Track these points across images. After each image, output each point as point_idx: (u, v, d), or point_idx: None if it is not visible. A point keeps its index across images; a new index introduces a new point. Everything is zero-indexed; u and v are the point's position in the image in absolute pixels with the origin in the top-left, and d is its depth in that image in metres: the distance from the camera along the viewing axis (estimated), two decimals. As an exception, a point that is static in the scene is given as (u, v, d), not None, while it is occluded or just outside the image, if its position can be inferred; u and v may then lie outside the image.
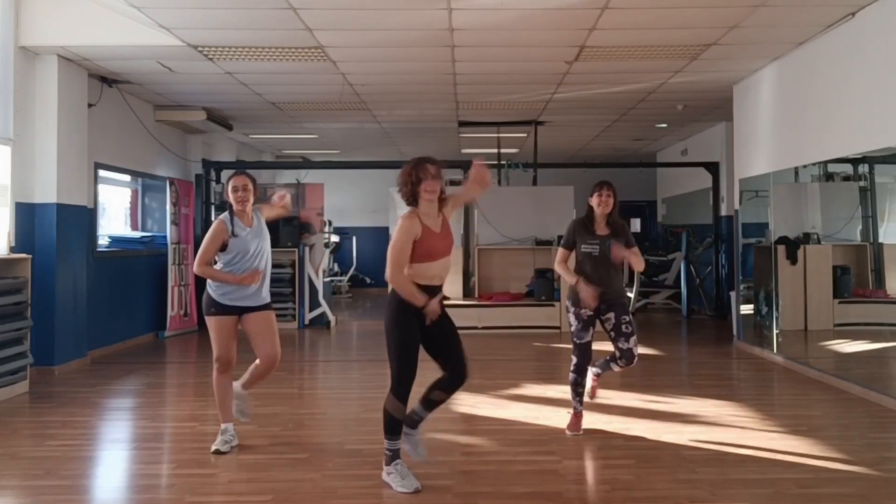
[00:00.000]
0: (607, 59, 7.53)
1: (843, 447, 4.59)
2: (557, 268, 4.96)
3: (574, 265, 4.89)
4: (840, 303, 7.60)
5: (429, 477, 4.04)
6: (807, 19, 6.42)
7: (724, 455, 4.48)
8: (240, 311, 4.63)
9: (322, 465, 4.34)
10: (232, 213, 4.61)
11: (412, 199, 3.88)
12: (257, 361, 4.76)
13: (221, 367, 4.68)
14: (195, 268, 4.60)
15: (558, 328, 9.77)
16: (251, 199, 4.63)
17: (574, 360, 4.85)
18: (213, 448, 4.58)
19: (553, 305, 9.93)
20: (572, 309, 4.85)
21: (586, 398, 5.00)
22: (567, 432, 4.88)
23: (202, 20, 6.38)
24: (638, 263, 4.82)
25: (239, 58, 7.48)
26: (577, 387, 4.89)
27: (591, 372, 5.00)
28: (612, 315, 4.78)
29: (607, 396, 5.95)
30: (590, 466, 4.33)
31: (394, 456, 3.96)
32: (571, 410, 4.95)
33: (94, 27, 6.68)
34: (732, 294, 9.44)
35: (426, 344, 3.93)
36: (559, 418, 5.27)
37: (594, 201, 4.82)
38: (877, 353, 6.95)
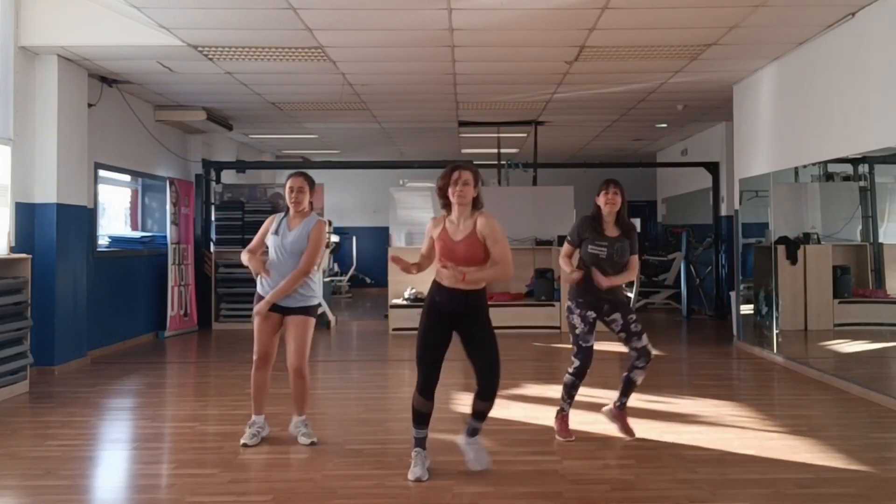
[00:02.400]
0: (607, 59, 7.53)
1: (843, 447, 4.59)
2: (561, 261, 4.91)
3: (577, 264, 4.83)
4: (840, 303, 7.60)
5: (429, 477, 4.04)
6: (807, 19, 6.42)
7: (724, 455, 4.48)
8: (281, 311, 4.66)
9: (322, 465, 4.34)
10: (286, 214, 4.70)
11: (445, 203, 4.07)
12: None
13: (257, 362, 4.73)
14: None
15: (558, 328, 9.77)
16: (305, 202, 4.66)
17: (576, 363, 4.75)
18: (242, 442, 4.65)
19: (553, 305, 9.92)
20: (577, 311, 4.74)
21: (622, 434, 4.83)
22: (557, 437, 4.79)
23: (202, 20, 6.38)
24: (628, 278, 4.79)
25: (239, 58, 7.48)
26: (573, 389, 4.83)
27: (610, 409, 4.91)
28: (617, 316, 4.71)
29: (607, 397, 5.95)
30: (590, 466, 4.32)
31: (415, 444, 4.07)
32: (558, 413, 4.86)
33: (94, 27, 6.68)
34: (732, 294, 9.44)
35: (464, 348, 4.05)
36: (559, 418, 5.29)
37: (601, 200, 4.74)
38: (877, 353, 6.95)
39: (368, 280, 16.87)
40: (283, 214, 4.73)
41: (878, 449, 4.67)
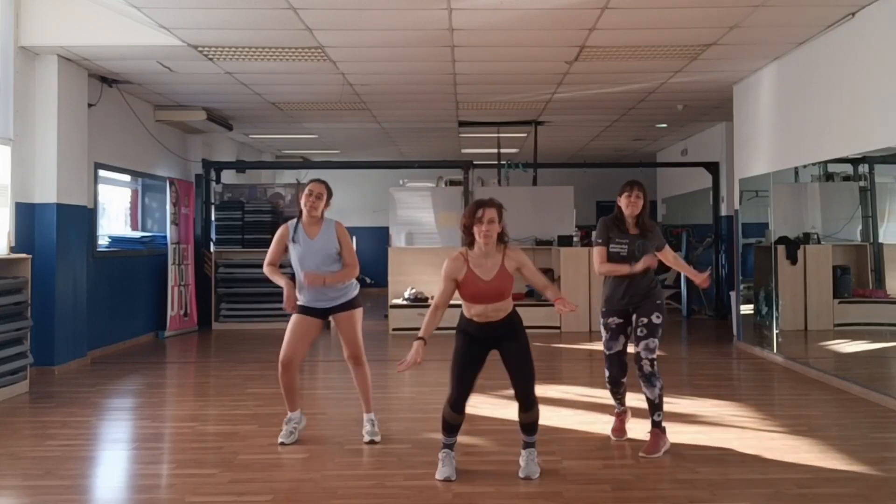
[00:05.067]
0: (607, 59, 7.53)
1: (843, 447, 4.59)
2: (602, 269, 4.62)
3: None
4: (840, 303, 7.60)
5: (429, 477, 4.04)
6: (807, 19, 6.42)
7: (724, 455, 4.48)
8: (324, 314, 4.67)
9: (322, 465, 4.34)
10: (298, 220, 4.70)
11: (470, 241, 3.98)
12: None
13: (282, 366, 4.68)
14: (263, 267, 4.72)
15: (558, 328, 9.78)
16: (321, 207, 4.67)
17: (606, 373, 4.72)
18: (279, 440, 4.68)
19: (553, 305, 9.91)
20: (602, 319, 4.69)
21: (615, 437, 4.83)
22: (612, 438, 4.81)
23: (202, 20, 6.38)
24: (663, 260, 4.77)
25: (239, 58, 7.48)
26: (614, 393, 4.79)
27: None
28: (635, 316, 4.61)
29: (607, 396, 5.95)
30: (590, 466, 4.32)
31: (442, 447, 4.10)
32: (615, 411, 4.90)
33: (94, 27, 6.68)
34: (732, 294, 9.44)
35: (502, 360, 4.06)
36: (559, 418, 5.29)
37: (623, 202, 4.68)
38: (877, 353, 6.95)
39: (368, 280, 16.85)
40: (295, 222, 4.72)
41: (878, 449, 4.67)
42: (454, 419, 4.05)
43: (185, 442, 4.94)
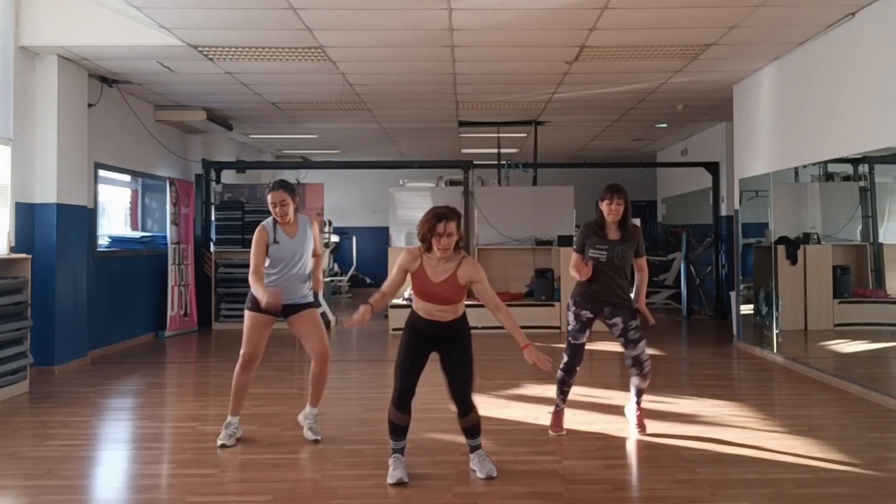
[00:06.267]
0: (607, 59, 7.53)
1: (843, 447, 4.59)
2: (573, 272, 4.81)
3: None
4: (840, 303, 7.60)
5: (429, 477, 4.05)
6: (807, 19, 6.42)
7: (724, 455, 4.48)
8: (285, 313, 4.67)
9: (322, 465, 4.35)
10: (276, 221, 4.68)
11: (427, 247, 3.95)
12: (311, 373, 4.80)
13: (245, 362, 4.71)
14: (249, 277, 4.65)
15: (558, 328, 9.77)
16: (290, 212, 4.65)
17: (565, 358, 4.84)
18: (219, 443, 4.64)
19: (553, 305, 9.93)
20: (573, 308, 4.80)
21: (637, 432, 4.86)
22: (550, 433, 4.86)
23: (202, 20, 6.38)
24: (644, 286, 4.88)
25: (239, 58, 7.48)
26: (564, 385, 4.88)
27: (631, 409, 4.95)
28: (619, 320, 4.71)
29: (607, 396, 5.96)
30: (590, 466, 4.32)
31: (392, 452, 4.09)
32: (552, 408, 4.95)
33: (94, 27, 6.68)
34: (732, 294, 9.44)
35: (441, 365, 4.06)
36: (559, 418, 5.29)
37: (604, 208, 4.71)
38: (877, 353, 6.95)
39: (368, 280, 16.86)
40: (271, 223, 4.68)
41: (878, 449, 4.67)
42: (400, 419, 4.01)
43: (185, 442, 4.94)
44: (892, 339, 6.57)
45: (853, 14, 6.18)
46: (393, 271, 4.04)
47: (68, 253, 7.37)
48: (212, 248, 10.93)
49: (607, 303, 4.72)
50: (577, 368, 4.87)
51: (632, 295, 4.85)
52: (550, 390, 6.19)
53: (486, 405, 5.66)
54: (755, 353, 8.17)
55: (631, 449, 4.62)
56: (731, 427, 5.10)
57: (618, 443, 4.75)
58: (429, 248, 3.94)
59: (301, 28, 6.52)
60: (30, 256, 6.61)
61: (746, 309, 8.71)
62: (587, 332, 4.81)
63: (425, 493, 3.85)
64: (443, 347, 4.03)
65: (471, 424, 4.08)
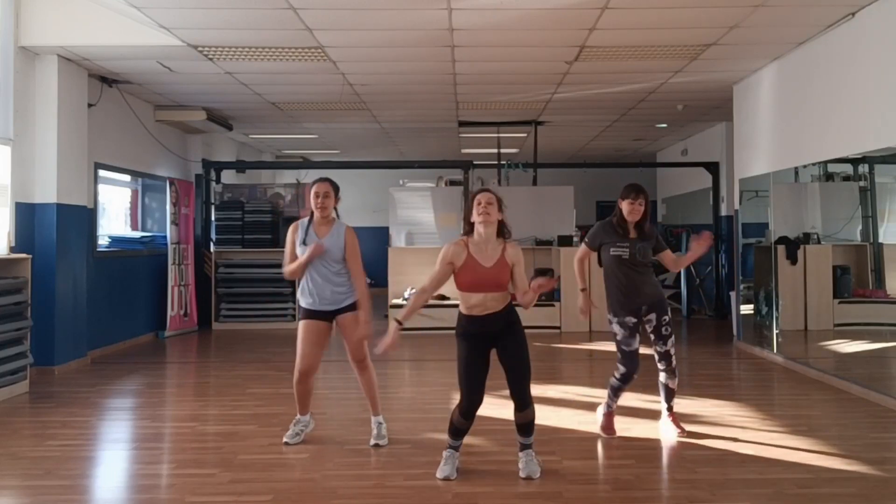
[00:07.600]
0: (607, 59, 7.53)
1: (843, 447, 4.59)
2: (575, 264, 4.84)
3: (603, 269, 4.78)
4: (840, 303, 7.60)
5: (429, 477, 4.04)
6: (807, 19, 6.42)
7: (724, 455, 4.48)
8: (330, 316, 4.63)
9: (322, 465, 4.34)
10: (310, 221, 4.64)
11: (469, 229, 4.00)
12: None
13: (298, 375, 4.66)
14: (284, 273, 4.70)
15: (558, 328, 9.78)
16: (330, 207, 4.59)
17: (622, 368, 4.70)
18: (284, 440, 4.69)
19: (553, 305, 9.94)
20: (615, 319, 4.70)
21: (677, 434, 4.82)
22: (602, 434, 4.84)
23: (202, 20, 6.38)
24: (665, 264, 4.85)
25: (239, 58, 7.48)
26: (618, 391, 4.80)
27: (664, 415, 4.93)
28: (653, 316, 4.69)
29: (607, 396, 5.95)
30: (590, 466, 4.32)
31: (448, 447, 4.12)
32: (604, 409, 4.88)
33: (94, 27, 6.68)
34: (732, 294, 9.44)
35: (499, 358, 4.03)
36: (559, 418, 5.29)
37: (625, 207, 4.67)
38: (877, 353, 6.95)
39: (369, 280, 16.83)
40: (305, 222, 4.65)
41: (878, 449, 4.67)
42: (463, 425, 4.04)
43: (185, 442, 4.94)
44: (892, 339, 6.57)
45: (853, 14, 6.19)
46: (436, 266, 3.99)
47: (68, 253, 7.37)
48: (212, 248, 10.93)
49: (642, 302, 4.67)
50: (635, 376, 4.73)
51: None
52: (550, 390, 6.23)
53: (487, 405, 5.63)
54: (755, 353, 8.17)
55: (631, 449, 4.62)
56: (731, 427, 5.10)
57: (618, 443, 4.75)
58: (471, 231, 3.98)
59: (301, 28, 6.52)
60: (30, 256, 6.62)
61: (746, 309, 8.71)
62: (637, 337, 4.69)
63: (425, 493, 3.85)
64: (499, 341, 3.99)
65: (526, 421, 4.04)
